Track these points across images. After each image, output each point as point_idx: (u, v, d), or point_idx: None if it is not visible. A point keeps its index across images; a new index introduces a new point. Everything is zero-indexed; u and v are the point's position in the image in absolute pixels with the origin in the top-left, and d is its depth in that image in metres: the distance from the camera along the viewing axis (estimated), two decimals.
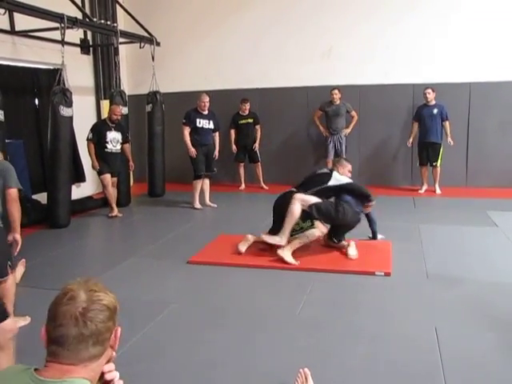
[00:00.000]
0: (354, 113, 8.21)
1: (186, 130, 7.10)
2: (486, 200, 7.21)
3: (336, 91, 8.05)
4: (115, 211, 6.82)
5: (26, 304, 3.52)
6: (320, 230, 4.72)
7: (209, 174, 7.33)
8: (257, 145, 8.57)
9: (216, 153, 7.35)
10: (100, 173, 6.73)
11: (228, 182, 9.06)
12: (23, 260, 4.08)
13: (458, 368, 2.75)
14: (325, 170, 5.27)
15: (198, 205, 7.24)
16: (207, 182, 7.38)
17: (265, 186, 8.65)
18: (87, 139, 6.66)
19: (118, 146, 6.86)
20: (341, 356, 2.95)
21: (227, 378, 2.72)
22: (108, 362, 1.27)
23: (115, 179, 6.97)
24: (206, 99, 7.13)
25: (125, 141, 7.00)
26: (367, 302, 3.78)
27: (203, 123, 7.14)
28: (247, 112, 8.49)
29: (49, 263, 4.85)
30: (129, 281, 4.31)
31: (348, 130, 8.24)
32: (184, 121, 7.15)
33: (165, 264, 4.74)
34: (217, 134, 7.37)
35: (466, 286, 4.02)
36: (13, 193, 3.30)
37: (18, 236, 3.31)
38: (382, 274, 4.30)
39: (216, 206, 7.32)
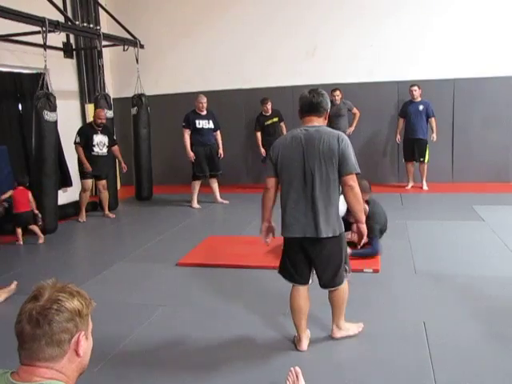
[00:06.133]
0: (355, 110, 8.09)
1: (186, 133, 7.17)
2: (472, 195, 7.28)
3: (337, 92, 7.89)
4: (83, 217, 6.79)
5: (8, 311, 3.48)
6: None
7: (215, 174, 7.42)
8: None
9: (220, 151, 7.43)
10: (83, 177, 6.72)
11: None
12: (15, 282, 4.05)
13: (446, 361, 2.78)
14: None
15: (196, 205, 7.35)
16: (215, 181, 7.50)
17: None
18: (75, 143, 6.63)
19: (105, 150, 6.82)
20: (330, 352, 2.96)
21: (218, 379, 2.72)
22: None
23: (104, 182, 6.94)
24: (204, 100, 7.21)
25: (113, 143, 6.98)
26: (356, 299, 3.77)
27: (203, 124, 7.20)
28: (270, 111, 8.11)
29: (36, 269, 4.80)
30: (118, 284, 4.29)
31: (352, 129, 8.11)
32: (184, 124, 7.20)
33: (154, 267, 4.72)
34: (218, 133, 7.42)
35: (454, 280, 4.05)
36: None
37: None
38: (371, 270, 4.32)
39: (228, 202, 7.46)
